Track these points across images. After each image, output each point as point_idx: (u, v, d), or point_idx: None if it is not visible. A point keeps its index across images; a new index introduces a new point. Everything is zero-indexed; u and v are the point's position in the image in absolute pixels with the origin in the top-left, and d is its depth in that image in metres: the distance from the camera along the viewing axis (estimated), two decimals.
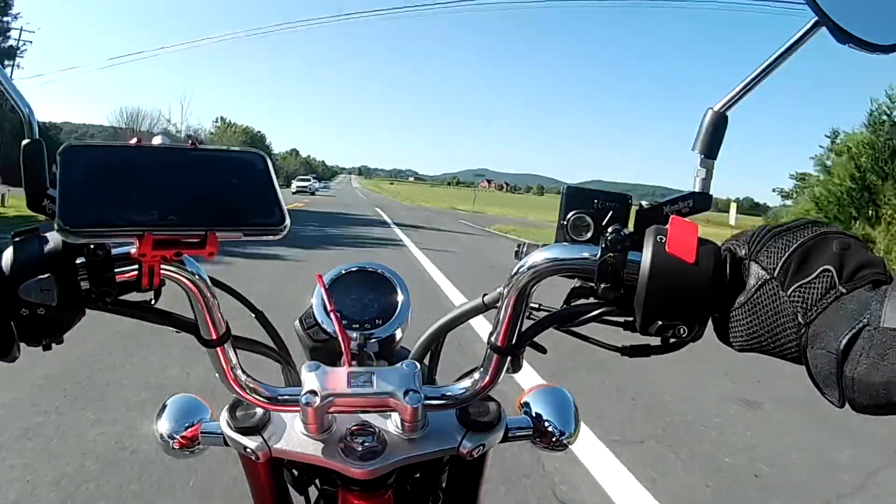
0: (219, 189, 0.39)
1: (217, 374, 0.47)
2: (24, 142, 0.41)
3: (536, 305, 0.46)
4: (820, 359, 0.34)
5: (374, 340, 0.57)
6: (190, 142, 0.40)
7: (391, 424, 0.50)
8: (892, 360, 0.30)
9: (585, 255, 0.40)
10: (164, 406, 0.62)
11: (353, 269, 0.63)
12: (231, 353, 0.46)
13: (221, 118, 59.28)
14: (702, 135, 0.43)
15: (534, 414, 0.59)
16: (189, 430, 0.59)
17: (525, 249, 0.44)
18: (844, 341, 0.32)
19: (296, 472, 0.57)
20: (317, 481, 0.58)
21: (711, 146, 0.43)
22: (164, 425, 0.60)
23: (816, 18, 0.40)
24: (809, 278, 0.35)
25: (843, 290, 0.34)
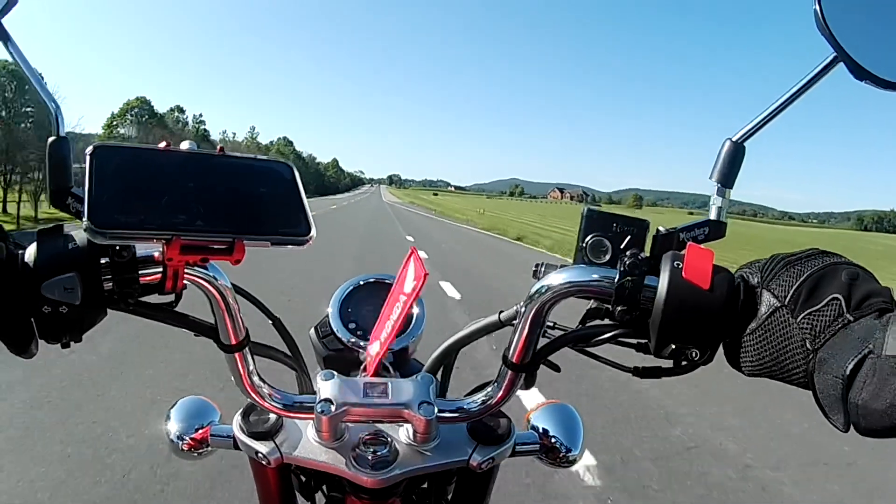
0: (246, 196, 0.39)
1: (233, 379, 0.47)
2: (51, 139, 0.41)
3: (552, 324, 0.46)
4: (826, 384, 0.35)
5: (388, 352, 0.58)
6: (218, 148, 0.40)
7: (403, 434, 0.50)
8: (894, 386, 0.31)
9: (603, 277, 0.41)
10: (174, 407, 0.62)
11: (371, 280, 0.64)
12: (249, 359, 0.47)
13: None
14: (719, 164, 0.44)
15: (541, 430, 0.60)
16: (199, 432, 0.59)
17: (543, 269, 0.44)
18: (850, 367, 0.33)
19: (303, 478, 0.57)
20: (324, 487, 0.58)
21: (728, 176, 0.44)
22: (174, 426, 0.60)
23: (835, 54, 0.41)
24: (819, 306, 0.36)
25: (851, 318, 0.35)
